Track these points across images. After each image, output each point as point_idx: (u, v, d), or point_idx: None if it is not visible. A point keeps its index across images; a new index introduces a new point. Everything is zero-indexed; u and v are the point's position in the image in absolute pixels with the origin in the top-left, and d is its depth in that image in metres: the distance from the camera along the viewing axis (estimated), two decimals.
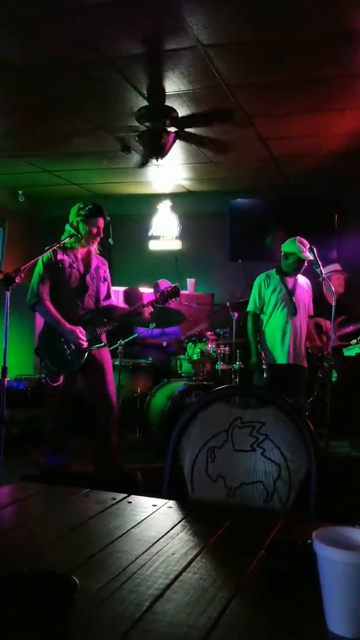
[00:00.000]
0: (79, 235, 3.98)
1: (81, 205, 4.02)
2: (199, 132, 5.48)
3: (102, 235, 4.08)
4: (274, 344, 4.89)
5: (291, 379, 4.82)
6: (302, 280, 5.03)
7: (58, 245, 3.96)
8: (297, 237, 4.89)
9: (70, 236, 3.98)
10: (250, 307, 5.06)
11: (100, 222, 4.03)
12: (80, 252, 4.07)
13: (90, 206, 4.01)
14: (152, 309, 4.19)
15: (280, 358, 4.86)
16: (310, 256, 4.80)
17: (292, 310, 4.84)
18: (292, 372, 4.86)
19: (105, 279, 4.21)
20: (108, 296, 4.25)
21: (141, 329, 5.96)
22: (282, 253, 4.94)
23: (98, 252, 4.16)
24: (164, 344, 6.45)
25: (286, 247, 4.92)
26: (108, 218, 4.14)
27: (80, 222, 3.98)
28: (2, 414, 3.43)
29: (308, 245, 4.85)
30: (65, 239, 3.98)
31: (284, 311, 4.86)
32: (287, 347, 4.83)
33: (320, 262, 4.87)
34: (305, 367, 4.95)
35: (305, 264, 4.88)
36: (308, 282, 5.09)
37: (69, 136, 5.77)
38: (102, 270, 4.18)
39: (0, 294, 3.59)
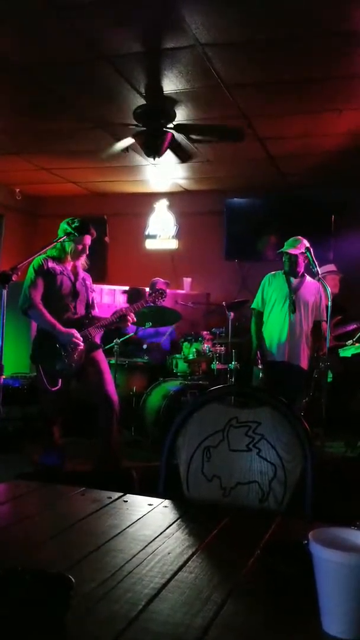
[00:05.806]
0: (75, 235, 4.01)
1: (69, 221, 4.07)
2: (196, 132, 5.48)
3: (87, 252, 4.16)
4: (272, 341, 4.95)
5: (288, 377, 4.84)
6: (310, 284, 5.01)
7: (51, 245, 3.99)
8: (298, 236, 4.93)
9: (67, 234, 4.00)
10: (253, 305, 5.16)
11: (87, 239, 4.11)
12: (68, 264, 4.14)
13: (77, 223, 4.04)
14: (134, 313, 4.21)
15: (277, 355, 4.90)
16: (295, 250, 4.84)
17: (292, 308, 4.85)
18: (288, 369, 4.88)
19: (92, 290, 4.29)
20: (93, 307, 4.30)
21: (134, 328, 5.94)
22: None
23: (85, 267, 4.23)
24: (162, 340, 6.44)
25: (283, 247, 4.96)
26: (95, 233, 4.20)
27: (67, 238, 4.04)
28: None
29: (303, 242, 4.86)
30: (61, 237, 4.01)
31: (283, 309, 4.90)
32: (284, 344, 4.86)
33: (316, 263, 4.87)
34: (302, 367, 4.93)
35: (301, 261, 4.89)
36: (320, 288, 5.00)
37: (67, 134, 5.76)
38: (88, 282, 4.26)
39: None
